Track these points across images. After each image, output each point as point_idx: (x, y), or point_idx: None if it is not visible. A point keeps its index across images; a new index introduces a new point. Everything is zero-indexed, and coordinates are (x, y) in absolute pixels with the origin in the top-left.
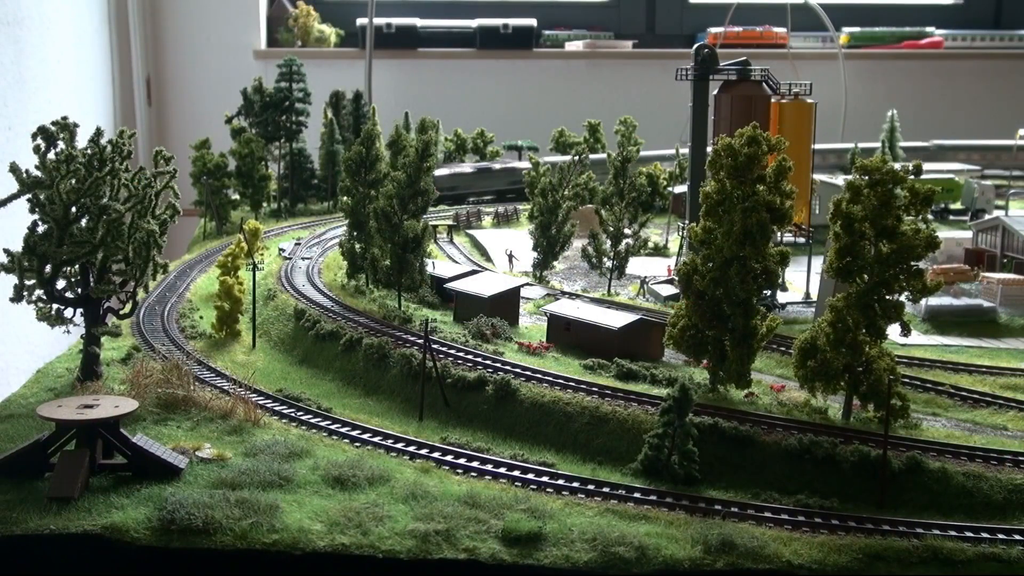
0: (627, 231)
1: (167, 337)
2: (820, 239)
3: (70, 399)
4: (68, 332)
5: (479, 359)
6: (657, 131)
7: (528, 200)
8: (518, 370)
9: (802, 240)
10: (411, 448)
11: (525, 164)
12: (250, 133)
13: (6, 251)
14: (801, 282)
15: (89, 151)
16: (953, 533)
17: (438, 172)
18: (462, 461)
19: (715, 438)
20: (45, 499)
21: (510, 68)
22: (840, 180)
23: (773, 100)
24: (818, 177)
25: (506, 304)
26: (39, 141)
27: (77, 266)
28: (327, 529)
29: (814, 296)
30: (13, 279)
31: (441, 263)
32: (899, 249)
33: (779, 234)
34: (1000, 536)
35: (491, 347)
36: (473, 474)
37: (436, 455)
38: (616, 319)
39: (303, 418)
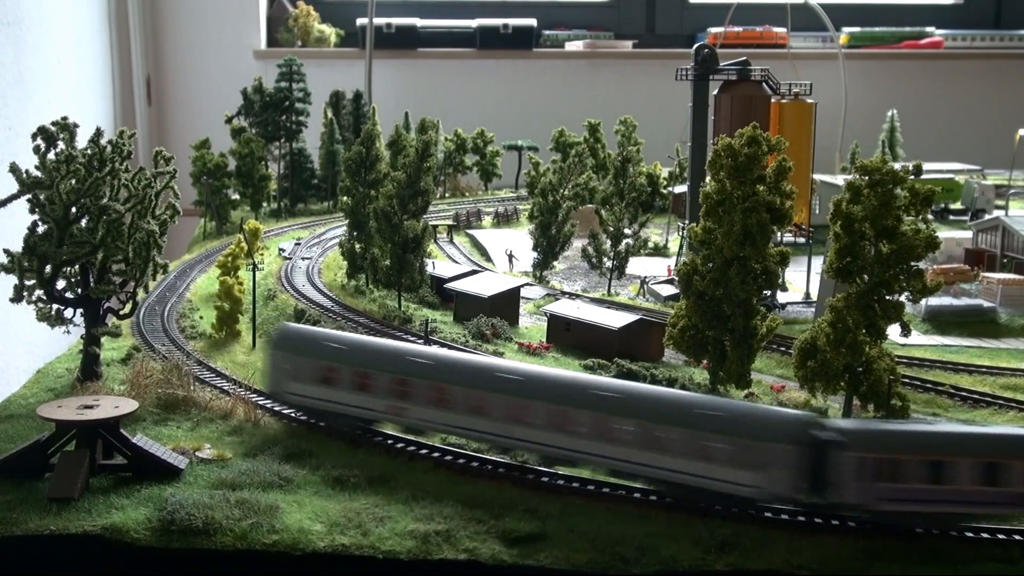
0: (627, 231)
1: (167, 337)
2: (820, 239)
3: (70, 399)
4: (68, 332)
5: None
6: (657, 131)
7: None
8: None
9: (802, 240)
10: (411, 448)
11: None
12: (250, 133)
13: (6, 251)
14: (801, 282)
15: (89, 151)
16: (953, 533)
17: None
18: (462, 461)
19: None
20: (45, 499)
21: (510, 68)
22: (840, 180)
23: (773, 100)
24: (818, 177)
25: (506, 304)
26: (39, 141)
27: (77, 266)
28: (327, 530)
29: (814, 296)
30: (13, 279)
31: (441, 263)
32: (899, 249)
33: (779, 234)
34: (1000, 536)
35: (491, 347)
36: (473, 474)
37: (436, 455)
38: (616, 319)
39: (303, 418)
